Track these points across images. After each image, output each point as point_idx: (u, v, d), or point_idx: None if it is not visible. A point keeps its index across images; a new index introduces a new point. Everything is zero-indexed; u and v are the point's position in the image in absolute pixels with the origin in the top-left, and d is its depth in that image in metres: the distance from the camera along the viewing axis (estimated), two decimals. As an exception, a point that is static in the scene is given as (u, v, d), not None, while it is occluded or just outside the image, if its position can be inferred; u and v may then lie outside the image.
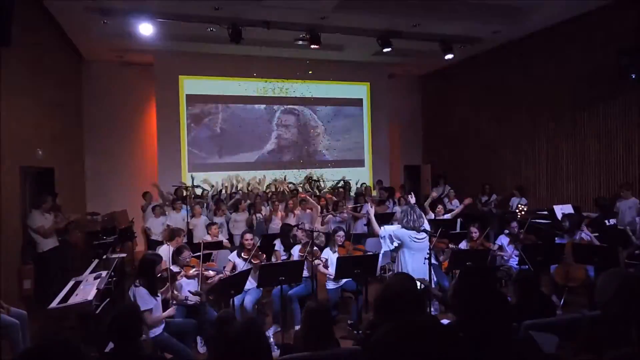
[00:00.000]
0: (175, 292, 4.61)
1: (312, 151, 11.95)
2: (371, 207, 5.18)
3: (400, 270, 4.53)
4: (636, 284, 2.11)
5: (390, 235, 4.62)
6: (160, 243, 7.83)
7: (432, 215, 7.34)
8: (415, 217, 4.60)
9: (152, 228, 8.45)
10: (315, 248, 5.56)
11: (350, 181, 11.52)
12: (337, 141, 12.18)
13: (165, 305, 4.60)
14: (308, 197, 8.57)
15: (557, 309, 5.70)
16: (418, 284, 3.88)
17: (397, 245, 4.62)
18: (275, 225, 8.03)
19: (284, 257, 6.05)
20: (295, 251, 5.89)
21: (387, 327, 0.91)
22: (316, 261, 5.48)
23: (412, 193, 5.19)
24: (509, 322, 1.98)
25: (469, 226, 6.48)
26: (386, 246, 4.67)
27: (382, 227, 4.84)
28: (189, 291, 4.67)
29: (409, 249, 4.59)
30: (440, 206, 7.67)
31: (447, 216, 7.57)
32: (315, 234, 5.67)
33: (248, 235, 5.61)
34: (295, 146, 11.80)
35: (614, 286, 2.15)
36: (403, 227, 4.62)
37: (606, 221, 6.87)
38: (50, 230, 6.42)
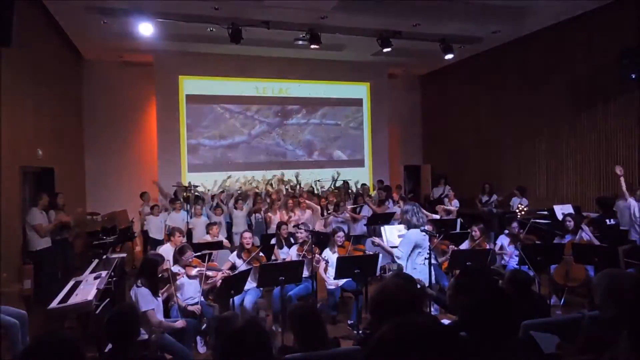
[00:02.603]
0: (177, 297, 4.61)
1: (312, 151, 11.95)
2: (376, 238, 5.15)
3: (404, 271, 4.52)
4: (628, 283, 2.11)
5: (404, 248, 4.60)
6: (161, 242, 7.84)
7: (436, 215, 7.34)
8: (421, 214, 4.63)
9: (151, 227, 8.45)
10: (313, 246, 5.56)
11: (349, 181, 11.50)
12: (337, 141, 12.18)
13: (166, 305, 4.60)
14: (309, 202, 8.61)
15: (557, 309, 5.71)
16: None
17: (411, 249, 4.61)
18: (275, 225, 8.04)
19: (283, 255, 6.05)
20: (294, 251, 5.88)
21: (386, 327, 0.90)
22: (316, 256, 5.48)
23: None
24: (511, 320, 1.98)
25: (470, 226, 6.46)
26: (403, 261, 4.64)
27: (395, 247, 4.82)
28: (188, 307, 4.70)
29: (419, 248, 4.60)
30: (440, 206, 7.67)
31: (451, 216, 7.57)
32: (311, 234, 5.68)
33: (247, 234, 5.61)
34: (295, 146, 11.80)
35: (606, 286, 2.15)
36: (412, 226, 4.61)
37: (607, 221, 6.86)
38: (48, 229, 6.43)
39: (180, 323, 4.20)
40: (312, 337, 2.57)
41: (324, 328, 2.69)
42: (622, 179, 6.62)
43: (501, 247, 6.36)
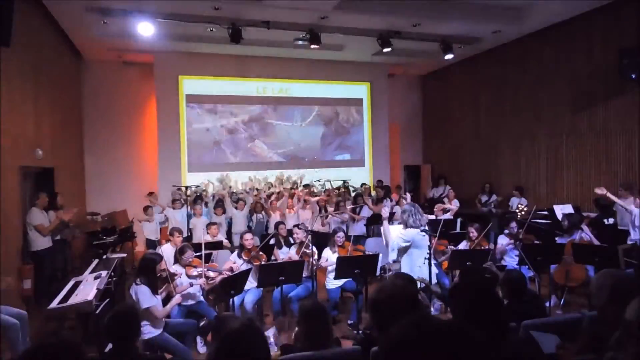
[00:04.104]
0: (179, 287, 4.62)
1: (312, 151, 11.95)
2: (383, 219, 5.15)
3: (404, 271, 4.54)
4: (629, 283, 2.11)
5: (399, 242, 4.65)
6: (155, 243, 7.81)
7: (432, 216, 7.34)
8: (419, 215, 4.64)
9: (145, 228, 8.43)
10: (313, 248, 5.55)
11: (348, 181, 11.49)
12: (336, 141, 12.18)
13: (165, 305, 4.60)
14: (309, 198, 8.60)
15: (557, 309, 5.71)
16: (418, 283, 3.89)
17: (405, 247, 4.64)
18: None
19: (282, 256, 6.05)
20: (293, 251, 5.88)
21: (403, 326, 0.90)
22: (314, 259, 5.48)
23: (407, 193, 5.28)
24: (503, 323, 1.99)
25: (468, 226, 6.47)
26: (394, 255, 4.70)
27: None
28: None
29: (417, 248, 4.62)
30: (439, 206, 7.66)
31: (447, 215, 7.57)
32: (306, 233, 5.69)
33: (248, 236, 5.60)
34: (295, 146, 11.80)
35: (608, 287, 2.15)
36: (409, 226, 4.63)
37: (605, 220, 6.86)
38: (50, 229, 6.44)
39: (177, 298, 4.27)
40: (319, 333, 2.59)
41: (330, 327, 2.74)
42: (608, 194, 6.45)
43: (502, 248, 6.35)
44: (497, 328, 1.91)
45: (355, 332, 5.11)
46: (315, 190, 10.51)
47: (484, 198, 10.18)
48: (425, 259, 4.52)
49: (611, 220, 6.89)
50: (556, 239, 6.43)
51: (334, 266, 5.21)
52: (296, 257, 5.65)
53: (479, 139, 11.52)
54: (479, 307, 1.92)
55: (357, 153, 12.41)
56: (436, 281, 5.40)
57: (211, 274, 5.11)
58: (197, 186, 10.06)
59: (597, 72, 8.38)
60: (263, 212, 8.69)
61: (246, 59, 10.88)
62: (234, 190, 10.31)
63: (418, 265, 4.56)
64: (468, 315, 1.92)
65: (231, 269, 5.27)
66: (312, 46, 8.93)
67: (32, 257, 6.35)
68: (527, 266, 5.29)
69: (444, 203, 9.55)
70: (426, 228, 4.63)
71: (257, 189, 10.33)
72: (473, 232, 6.24)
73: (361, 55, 11.20)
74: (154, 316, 3.98)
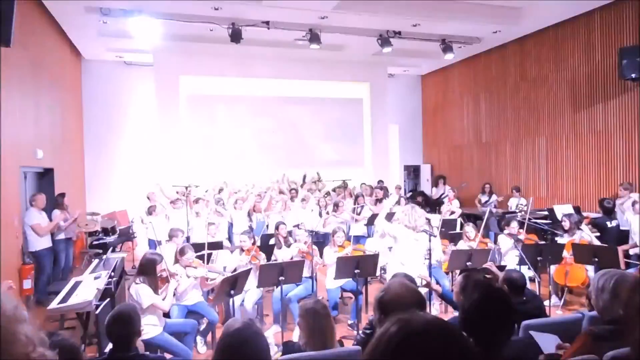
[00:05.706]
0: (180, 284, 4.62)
1: (312, 151, 11.94)
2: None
3: (393, 269, 4.51)
4: (633, 284, 2.11)
5: (383, 232, 4.70)
6: (154, 243, 7.80)
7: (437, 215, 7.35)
8: (416, 217, 4.57)
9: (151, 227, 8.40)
10: (315, 247, 5.55)
11: (348, 181, 11.47)
12: (336, 141, 12.18)
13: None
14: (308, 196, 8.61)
15: (557, 309, 5.71)
16: (418, 280, 3.88)
17: (388, 238, 4.68)
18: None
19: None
20: (301, 245, 5.86)
21: (391, 323, 0.90)
22: (316, 258, 5.48)
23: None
24: (511, 322, 1.99)
25: (464, 226, 6.45)
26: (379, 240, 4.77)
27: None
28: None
29: (405, 247, 4.58)
30: (444, 206, 7.67)
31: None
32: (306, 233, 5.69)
33: (244, 237, 5.60)
34: (295, 146, 11.79)
35: (611, 288, 2.14)
36: (403, 224, 4.62)
37: (608, 222, 6.84)
38: (48, 229, 6.43)
39: (173, 284, 4.30)
40: (321, 332, 2.58)
41: (332, 325, 2.73)
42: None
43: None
44: (505, 328, 1.92)
45: (355, 332, 5.11)
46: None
47: (484, 198, 10.17)
48: (425, 259, 4.52)
49: (614, 223, 6.88)
50: (556, 239, 6.43)
51: (334, 266, 5.21)
52: (305, 249, 5.63)
53: (479, 139, 11.52)
54: (488, 307, 1.92)
55: (357, 153, 12.40)
56: (436, 281, 5.41)
57: (211, 274, 5.10)
58: (197, 186, 10.03)
59: (597, 72, 8.39)
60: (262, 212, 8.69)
61: (246, 59, 10.87)
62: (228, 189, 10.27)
63: (410, 264, 4.52)
64: (477, 315, 1.92)
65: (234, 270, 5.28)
66: (312, 46, 8.93)
67: (32, 257, 6.35)
68: (527, 266, 5.28)
69: (443, 203, 9.56)
70: (427, 229, 4.61)
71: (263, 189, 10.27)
72: (470, 232, 6.20)
73: (361, 55, 11.20)
74: (158, 309, 4.00)
